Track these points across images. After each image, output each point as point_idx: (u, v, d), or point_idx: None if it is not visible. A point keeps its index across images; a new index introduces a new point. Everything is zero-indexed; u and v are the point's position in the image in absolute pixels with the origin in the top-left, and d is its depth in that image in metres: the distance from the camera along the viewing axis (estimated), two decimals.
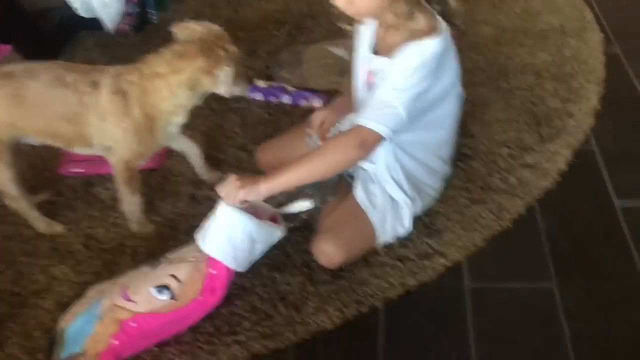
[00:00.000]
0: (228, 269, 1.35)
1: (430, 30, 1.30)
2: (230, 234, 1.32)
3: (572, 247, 1.51)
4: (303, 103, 2.04)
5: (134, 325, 1.31)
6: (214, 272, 1.34)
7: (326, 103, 2.00)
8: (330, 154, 1.34)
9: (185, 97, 1.47)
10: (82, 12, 2.18)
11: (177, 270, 1.35)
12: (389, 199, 1.51)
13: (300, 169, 1.32)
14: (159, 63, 1.45)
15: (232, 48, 1.46)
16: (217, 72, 1.42)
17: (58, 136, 1.56)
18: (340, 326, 1.40)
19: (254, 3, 2.65)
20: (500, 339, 1.34)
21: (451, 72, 1.41)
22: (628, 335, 1.31)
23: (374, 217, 1.48)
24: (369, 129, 1.30)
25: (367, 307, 1.42)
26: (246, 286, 1.49)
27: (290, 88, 2.08)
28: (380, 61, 1.39)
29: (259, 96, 2.09)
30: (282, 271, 1.51)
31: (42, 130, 1.56)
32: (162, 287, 1.32)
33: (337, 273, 1.48)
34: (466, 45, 2.18)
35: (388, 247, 1.53)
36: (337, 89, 2.02)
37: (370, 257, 1.51)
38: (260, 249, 1.38)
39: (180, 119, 1.53)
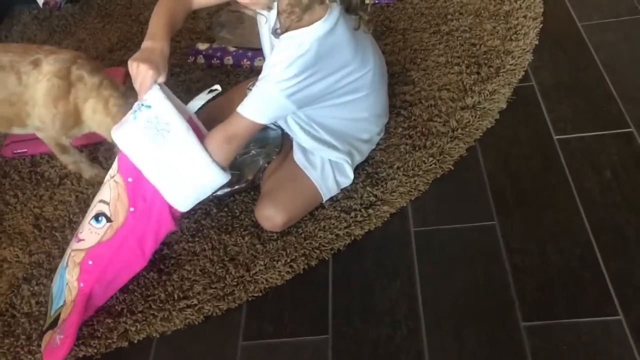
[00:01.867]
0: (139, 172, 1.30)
1: (317, 10, 1.25)
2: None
3: (513, 184, 1.54)
4: (244, 62, 2.02)
5: (90, 262, 1.34)
6: (130, 179, 1.32)
7: None
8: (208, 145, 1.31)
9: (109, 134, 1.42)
10: None
11: (102, 194, 1.36)
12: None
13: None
14: (118, 102, 1.51)
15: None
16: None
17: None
18: (291, 281, 1.43)
19: None
20: (445, 278, 1.38)
21: (347, 49, 1.34)
22: (565, 264, 1.35)
23: (313, 175, 1.49)
24: (243, 117, 1.30)
25: (315, 260, 1.45)
26: (196, 250, 1.50)
27: (231, 48, 2.06)
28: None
29: (201, 59, 2.07)
30: (230, 233, 1.53)
31: None
32: (97, 215, 1.35)
33: (284, 230, 1.50)
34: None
35: (333, 199, 1.54)
36: None
37: (315, 211, 1.53)
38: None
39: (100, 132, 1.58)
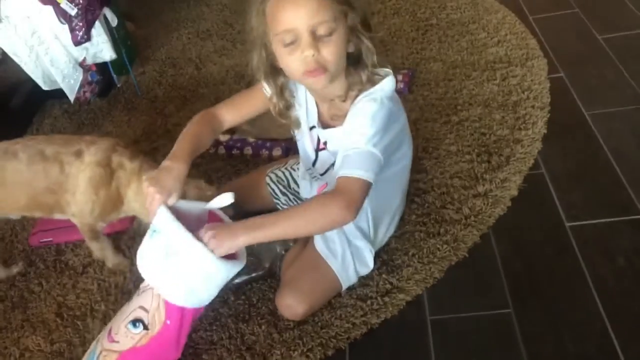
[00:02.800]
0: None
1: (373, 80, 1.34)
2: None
3: (527, 271, 1.55)
4: (264, 152, 2.10)
5: None
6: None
7: (286, 150, 2.07)
8: (313, 213, 1.28)
9: None
10: (45, 86, 2.25)
11: (143, 301, 1.38)
12: (348, 243, 1.54)
13: (281, 224, 1.29)
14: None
15: None
16: None
17: (40, 208, 1.66)
18: None
19: (214, 59, 2.75)
20: None
21: (402, 113, 1.46)
22: (582, 353, 1.34)
23: (335, 265, 1.51)
24: (356, 178, 1.26)
25: (332, 349, 1.46)
26: (213, 339, 1.52)
27: (251, 139, 2.15)
28: (332, 131, 1.43)
29: (221, 150, 2.16)
30: (247, 321, 1.54)
31: (25, 206, 1.66)
32: (135, 321, 1.36)
33: (301, 320, 1.51)
34: (417, 83, 2.27)
35: (349, 287, 1.57)
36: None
37: (332, 299, 1.55)
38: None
39: (141, 216, 1.65)
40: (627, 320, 1.39)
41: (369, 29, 1.31)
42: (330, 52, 1.24)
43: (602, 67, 2.21)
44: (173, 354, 1.42)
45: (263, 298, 1.59)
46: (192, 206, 1.39)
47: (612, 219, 1.63)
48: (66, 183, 1.59)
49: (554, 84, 2.15)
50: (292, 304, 1.48)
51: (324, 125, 1.46)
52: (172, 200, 1.32)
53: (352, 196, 1.25)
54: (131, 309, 1.39)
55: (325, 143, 1.47)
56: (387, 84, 1.34)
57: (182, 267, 1.28)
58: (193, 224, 1.30)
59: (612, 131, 1.91)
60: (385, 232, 1.62)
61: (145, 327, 1.36)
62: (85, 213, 1.63)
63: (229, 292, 1.62)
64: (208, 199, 1.38)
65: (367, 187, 1.27)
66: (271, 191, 1.75)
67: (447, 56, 2.38)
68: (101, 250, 1.75)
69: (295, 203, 1.72)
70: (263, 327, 1.52)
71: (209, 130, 1.50)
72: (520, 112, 2.02)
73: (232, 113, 1.54)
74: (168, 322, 1.35)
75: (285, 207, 1.74)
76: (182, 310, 1.36)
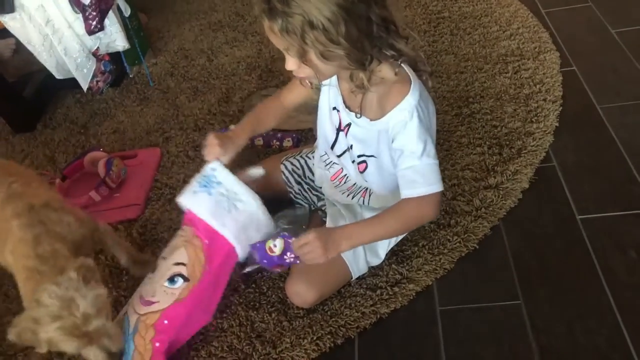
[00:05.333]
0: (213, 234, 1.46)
1: (400, 79, 1.31)
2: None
3: (537, 263, 1.55)
4: (275, 143, 2.11)
5: (166, 322, 1.40)
6: (206, 241, 1.46)
7: (296, 141, 2.08)
8: (411, 214, 1.38)
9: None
10: (58, 75, 2.27)
11: (177, 258, 1.46)
12: None
13: (381, 227, 1.39)
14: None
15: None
16: None
17: None
18: (317, 359, 1.44)
19: (226, 51, 2.75)
20: (471, 359, 1.38)
21: (430, 103, 1.42)
22: (592, 345, 1.35)
23: (346, 254, 1.51)
24: (430, 194, 1.34)
25: (341, 338, 1.47)
26: (224, 327, 1.53)
27: None
28: (355, 120, 1.42)
29: None
30: (257, 309, 1.55)
31: None
32: (173, 277, 1.43)
33: (310, 307, 1.52)
34: (432, 72, 2.26)
35: (359, 277, 1.57)
36: (306, 127, 2.10)
37: (342, 288, 1.56)
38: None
39: None
40: (638, 313, 1.39)
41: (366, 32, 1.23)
42: (304, 72, 1.27)
43: (615, 61, 2.20)
44: (206, 311, 1.49)
45: (273, 286, 1.60)
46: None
47: (624, 212, 1.63)
48: None
49: (566, 77, 2.14)
50: (301, 291, 1.49)
51: (348, 107, 1.45)
52: (224, 159, 1.50)
53: (432, 199, 1.36)
54: (164, 271, 1.46)
55: (348, 125, 1.47)
56: (413, 92, 1.31)
57: (242, 216, 1.48)
58: None
59: (624, 124, 1.91)
60: None
61: (185, 279, 1.43)
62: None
63: (239, 281, 1.63)
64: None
65: (440, 196, 1.37)
66: (285, 180, 1.75)
67: (459, 49, 2.38)
68: None
69: (308, 193, 1.73)
70: (273, 315, 1.53)
71: (270, 113, 1.63)
72: (532, 105, 2.02)
73: (289, 95, 1.60)
74: (207, 267, 1.44)
75: (298, 196, 1.75)
76: (224, 253, 1.46)
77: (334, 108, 1.47)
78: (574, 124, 1.95)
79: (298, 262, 1.40)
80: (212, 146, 1.49)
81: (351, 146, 1.47)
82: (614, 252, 1.53)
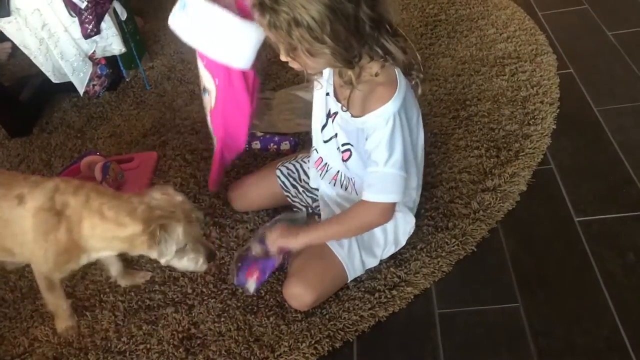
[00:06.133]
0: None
1: (386, 81, 1.32)
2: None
3: (536, 266, 1.55)
4: (272, 146, 2.10)
5: (215, 123, 1.76)
6: (204, 61, 1.65)
7: (294, 144, 2.08)
8: (358, 218, 1.44)
9: (117, 247, 1.45)
10: (55, 79, 2.26)
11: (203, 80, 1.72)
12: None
13: (332, 228, 1.49)
14: (111, 205, 1.39)
15: (183, 225, 1.39)
16: (156, 247, 1.37)
17: None
18: None
19: None
20: None
21: (414, 110, 1.45)
22: (591, 347, 1.34)
23: (341, 254, 1.52)
24: (381, 203, 1.39)
25: (340, 341, 1.46)
26: (221, 331, 1.52)
27: (259, 133, 2.15)
28: (341, 112, 1.44)
29: None
30: (255, 313, 1.55)
31: None
32: (204, 91, 1.74)
33: (308, 310, 1.52)
34: (426, 78, 2.26)
35: (357, 280, 1.57)
36: (304, 130, 2.10)
37: (339, 292, 1.55)
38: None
39: (105, 254, 1.51)
40: (636, 315, 1.39)
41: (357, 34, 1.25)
42: (295, 65, 1.31)
43: (612, 63, 2.21)
44: (244, 108, 1.68)
45: (271, 290, 1.60)
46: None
47: (622, 215, 1.63)
48: (6, 229, 1.43)
49: (563, 80, 2.15)
50: (299, 294, 1.48)
51: (337, 97, 1.47)
52: None
53: (383, 207, 1.41)
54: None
55: (335, 113, 1.49)
56: (395, 100, 1.32)
57: (216, 33, 1.53)
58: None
59: (622, 127, 1.91)
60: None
61: (206, 92, 1.69)
62: (38, 264, 1.48)
63: (237, 285, 1.62)
64: (178, 204, 1.43)
65: (393, 206, 1.42)
66: (281, 184, 1.75)
67: (456, 52, 2.38)
68: (55, 305, 1.58)
69: (303, 195, 1.73)
70: (271, 319, 1.52)
71: None
72: (530, 108, 2.02)
73: None
74: (217, 80, 1.62)
75: (295, 199, 1.75)
76: (226, 68, 1.58)
77: (327, 94, 1.50)
78: (571, 126, 1.95)
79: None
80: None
81: (336, 134, 1.50)
82: (612, 254, 1.53)
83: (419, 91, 1.41)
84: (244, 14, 1.52)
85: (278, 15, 1.17)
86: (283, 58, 1.30)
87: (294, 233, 1.49)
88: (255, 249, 1.54)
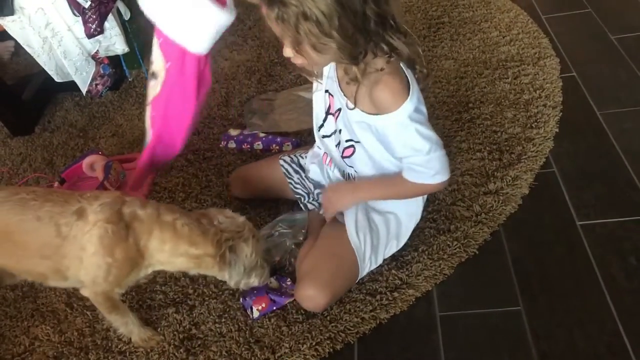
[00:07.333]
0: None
1: (390, 70, 1.31)
2: None
3: (538, 269, 1.55)
4: (274, 147, 2.10)
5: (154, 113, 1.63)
6: (160, 39, 1.50)
7: (296, 145, 2.08)
8: (416, 189, 1.47)
9: (182, 264, 1.41)
10: (57, 78, 2.26)
11: (152, 58, 1.55)
12: (370, 229, 1.56)
13: (391, 189, 1.51)
14: (183, 222, 1.37)
15: (252, 244, 1.41)
16: (226, 268, 1.39)
17: (30, 273, 1.48)
18: None
19: (226, 55, 2.75)
20: None
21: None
22: (592, 351, 1.34)
23: (359, 253, 1.52)
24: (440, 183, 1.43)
25: (341, 343, 1.46)
26: (222, 331, 1.52)
27: (261, 134, 2.15)
28: (354, 112, 1.42)
29: (232, 144, 2.16)
30: None
31: (13, 268, 1.48)
32: (151, 75, 1.57)
33: (310, 312, 1.52)
34: (429, 73, 2.26)
35: (358, 282, 1.57)
36: (307, 127, 2.10)
37: None
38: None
39: (163, 269, 1.46)
40: (638, 319, 1.38)
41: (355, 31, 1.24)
42: (299, 60, 1.29)
43: (615, 67, 2.20)
44: (190, 103, 1.56)
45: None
46: None
47: (624, 219, 1.63)
48: (63, 247, 1.36)
49: (566, 83, 2.14)
50: (313, 295, 1.47)
51: (344, 92, 1.46)
52: None
53: (437, 187, 1.47)
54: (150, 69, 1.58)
55: (338, 110, 1.48)
56: (411, 100, 1.32)
57: (179, 8, 1.43)
58: None
59: (624, 131, 1.91)
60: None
61: (154, 77, 1.54)
62: (99, 279, 1.38)
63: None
64: (241, 224, 1.42)
65: (445, 182, 1.45)
66: (285, 172, 1.76)
67: (459, 54, 2.38)
68: (125, 325, 1.52)
69: (305, 181, 1.74)
70: (272, 320, 1.52)
71: None
72: (532, 111, 2.02)
73: None
74: (168, 64, 1.49)
75: (298, 185, 1.75)
76: (181, 51, 1.47)
77: (326, 91, 1.50)
78: (574, 130, 1.94)
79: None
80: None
81: (340, 130, 1.50)
82: (614, 258, 1.53)
83: (420, 84, 1.40)
84: None
85: (287, 9, 1.16)
86: (286, 53, 1.28)
87: (347, 190, 1.53)
88: (272, 283, 1.57)
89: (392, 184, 1.49)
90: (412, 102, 1.32)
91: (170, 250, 1.37)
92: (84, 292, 1.44)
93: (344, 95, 1.44)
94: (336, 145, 1.54)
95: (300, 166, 1.77)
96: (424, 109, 1.38)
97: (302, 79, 2.41)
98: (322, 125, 1.57)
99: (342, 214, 1.58)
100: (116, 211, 1.35)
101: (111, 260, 1.34)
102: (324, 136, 1.58)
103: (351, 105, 1.40)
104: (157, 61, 1.53)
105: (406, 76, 1.34)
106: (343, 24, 1.17)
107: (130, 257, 1.36)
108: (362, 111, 1.38)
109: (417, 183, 1.42)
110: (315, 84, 1.55)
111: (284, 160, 1.79)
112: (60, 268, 1.39)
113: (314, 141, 1.69)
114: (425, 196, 1.67)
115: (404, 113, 1.31)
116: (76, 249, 1.35)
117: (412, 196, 1.56)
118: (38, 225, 1.34)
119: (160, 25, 1.47)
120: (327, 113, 1.53)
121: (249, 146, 2.14)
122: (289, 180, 1.76)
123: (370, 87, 1.33)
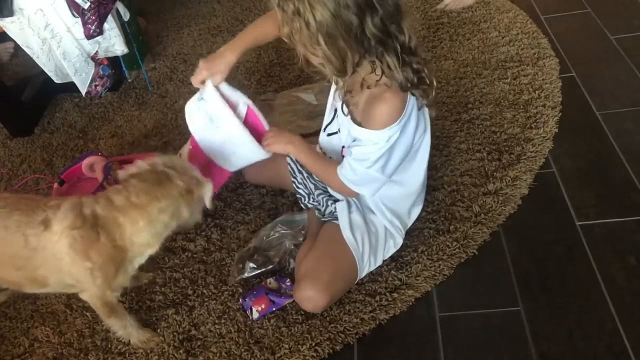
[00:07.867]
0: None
1: (390, 84, 1.31)
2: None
3: (537, 269, 1.55)
4: None
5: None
6: (190, 147, 1.62)
7: None
8: (333, 178, 1.48)
9: (167, 222, 1.36)
10: (57, 79, 2.26)
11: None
12: (368, 232, 1.56)
13: (318, 166, 1.55)
14: (130, 192, 1.32)
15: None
16: (197, 194, 1.37)
17: (5, 281, 1.47)
18: None
19: None
20: None
21: (416, 123, 1.42)
22: (592, 351, 1.34)
23: (355, 249, 1.52)
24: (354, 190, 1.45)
25: (340, 344, 1.46)
26: (222, 332, 1.52)
27: None
28: (342, 117, 1.45)
29: None
30: None
31: None
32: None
33: (309, 313, 1.52)
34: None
35: (358, 283, 1.57)
36: (305, 132, 2.10)
37: None
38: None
39: (153, 250, 1.40)
40: (637, 319, 1.38)
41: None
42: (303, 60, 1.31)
43: (614, 67, 2.21)
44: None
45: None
46: (232, 93, 1.57)
47: (623, 219, 1.63)
48: (34, 259, 1.34)
49: (566, 84, 2.14)
50: (313, 296, 1.46)
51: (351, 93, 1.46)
52: (216, 80, 1.51)
53: (350, 193, 1.50)
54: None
55: (336, 111, 1.51)
56: (398, 124, 1.32)
57: (218, 132, 1.52)
58: (229, 105, 1.52)
59: (624, 131, 1.91)
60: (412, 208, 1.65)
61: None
62: (88, 285, 1.38)
63: (238, 286, 1.62)
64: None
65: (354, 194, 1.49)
66: (290, 170, 1.76)
67: (458, 54, 2.38)
68: (123, 328, 1.50)
69: (308, 181, 1.72)
70: (272, 321, 1.52)
71: (268, 22, 1.54)
72: (532, 111, 2.02)
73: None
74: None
75: (300, 185, 1.74)
76: (205, 160, 1.58)
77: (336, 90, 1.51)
78: (573, 130, 1.95)
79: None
80: (197, 70, 1.51)
81: (339, 130, 1.52)
82: (613, 258, 1.53)
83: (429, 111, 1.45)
84: (251, 128, 1.52)
85: (287, 0, 1.19)
86: (284, 37, 1.30)
87: (287, 138, 1.55)
88: (271, 283, 1.58)
89: (324, 165, 1.54)
90: (399, 126, 1.33)
91: (146, 224, 1.33)
92: (83, 296, 1.43)
93: (350, 95, 1.44)
94: (337, 144, 1.55)
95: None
96: (411, 128, 1.38)
97: (302, 80, 2.41)
98: (331, 122, 1.58)
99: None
100: (77, 215, 1.32)
101: (90, 264, 1.32)
102: (329, 134, 1.59)
103: (346, 111, 1.42)
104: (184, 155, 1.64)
105: (409, 96, 1.34)
106: (332, 35, 1.19)
107: (110, 255, 1.34)
108: (352, 119, 1.40)
109: (340, 179, 1.45)
110: (333, 85, 1.55)
111: (291, 159, 1.79)
112: (35, 277, 1.37)
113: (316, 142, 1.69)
114: (425, 188, 1.66)
115: (385, 137, 1.33)
116: (50, 259, 1.33)
117: (330, 185, 1.60)
118: (6, 234, 1.33)
119: (199, 142, 1.58)
120: (335, 112, 1.54)
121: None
122: (292, 179, 1.76)
123: (371, 99, 1.33)
